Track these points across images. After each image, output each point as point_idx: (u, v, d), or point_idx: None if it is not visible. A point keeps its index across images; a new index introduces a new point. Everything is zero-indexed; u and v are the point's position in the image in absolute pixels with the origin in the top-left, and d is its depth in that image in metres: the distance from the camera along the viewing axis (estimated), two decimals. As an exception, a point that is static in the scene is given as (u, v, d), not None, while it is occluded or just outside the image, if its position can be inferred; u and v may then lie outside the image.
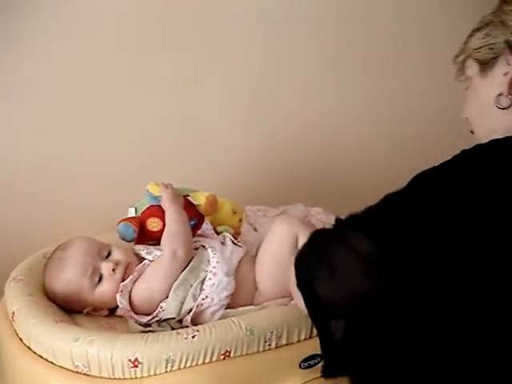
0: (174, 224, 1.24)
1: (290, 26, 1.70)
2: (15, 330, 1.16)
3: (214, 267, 1.22)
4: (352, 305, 0.86)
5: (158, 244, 1.26)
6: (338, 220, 0.94)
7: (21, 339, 1.14)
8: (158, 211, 1.27)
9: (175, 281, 1.20)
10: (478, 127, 1.02)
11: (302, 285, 0.92)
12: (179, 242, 1.22)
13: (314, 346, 1.06)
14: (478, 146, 0.92)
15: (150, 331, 1.16)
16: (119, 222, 1.27)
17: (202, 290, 1.20)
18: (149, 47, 1.57)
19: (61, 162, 1.56)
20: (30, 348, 1.12)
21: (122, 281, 1.22)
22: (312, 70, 1.77)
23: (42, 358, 1.11)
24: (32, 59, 1.47)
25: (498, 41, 0.97)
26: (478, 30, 1.01)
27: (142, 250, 1.28)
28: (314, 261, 0.90)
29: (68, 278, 1.22)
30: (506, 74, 0.96)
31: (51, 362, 1.10)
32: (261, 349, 1.14)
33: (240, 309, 1.23)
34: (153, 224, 1.27)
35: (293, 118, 1.79)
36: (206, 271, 1.22)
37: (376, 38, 1.78)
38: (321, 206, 1.50)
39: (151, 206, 1.29)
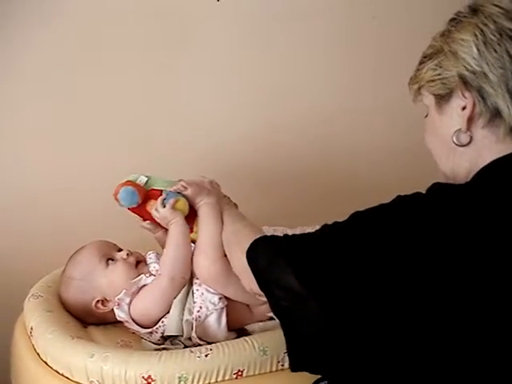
0: (174, 247, 1.22)
1: (298, 24, 1.71)
2: (33, 345, 1.18)
3: (197, 278, 1.23)
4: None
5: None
6: (284, 239, 0.96)
7: (38, 354, 1.16)
8: None
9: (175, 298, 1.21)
10: (443, 165, 0.99)
11: (260, 286, 0.96)
12: (179, 268, 1.21)
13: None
14: (417, 194, 0.89)
15: (163, 349, 1.17)
16: (124, 184, 1.23)
17: (194, 302, 1.21)
18: (148, 41, 1.59)
19: (73, 177, 1.59)
20: (46, 363, 1.14)
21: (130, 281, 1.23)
22: (323, 68, 1.79)
23: (58, 373, 1.12)
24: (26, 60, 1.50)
25: (451, 74, 0.92)
26: (429, 58, 0.96)
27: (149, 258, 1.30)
28: (264, 269, 0.96)
29: (82, 258, 1.28)
30: (463, 108, 0.92)
31: (67, 378, 1.11)
32: (273, 369, 1.15)
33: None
34: (154, 207, 1.24)
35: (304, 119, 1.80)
36: (193, 284, 1.23)
37: (386, 39, 1.80)
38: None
39: (163, 190, 1.25)
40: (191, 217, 1.26)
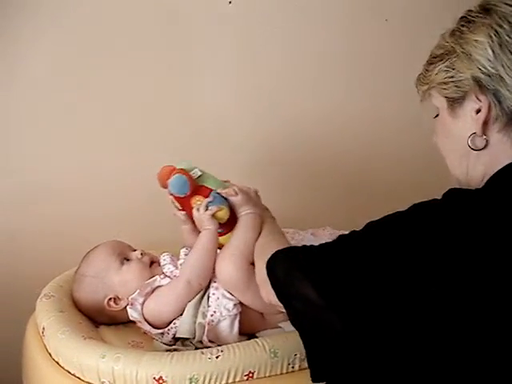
0: (199, 252, 1.23)
1: (303, 24, 1.71)
2: (45, 346, 1.19)
3: (215, 281, 1.23)
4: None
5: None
6: (301, 251, 0.95)
7: (50, 354, 1.17)
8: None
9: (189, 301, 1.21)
10: (456, 168, 0.97)
11: (279, 297, 0.96)
12: (198, 274, 1.21)
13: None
14: (433, 201, 0.87)
15: (174, 350, 1.18)
16: (179, 171, 1.22)
17: (208, 306, 1.21)
18: (155, 41, 1.59)
19: (86, 178, 1.60)
20: (58, 363, 1.15)
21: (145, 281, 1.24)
22: (329, 68, 1.79)
23: (69, 373, 1.13)
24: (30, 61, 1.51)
25: (465, 77, 0.89)
26: (440, 59, 0.94)
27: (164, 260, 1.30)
28: (282, 282, 0.95)
29: (97, 256, 1.29)
30: (477, 111, 0.90)
31: (78, 378, 1.12)
32: (284, 371, 1.15)
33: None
34: (197, 203, 1.24)
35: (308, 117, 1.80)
36: (210, 287, 1.23)
37: (387, 39, 1.80)
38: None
39: (212, 189, 1.25)
40: (230, 223, 1.25)
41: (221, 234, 1.27)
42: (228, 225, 1.26)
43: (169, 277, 1.26)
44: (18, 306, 1.36)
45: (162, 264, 1.30)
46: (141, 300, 1.22)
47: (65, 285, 1.33)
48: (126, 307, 1.23)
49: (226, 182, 1.31)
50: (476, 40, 0.89)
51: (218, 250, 1.26)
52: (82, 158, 1.59)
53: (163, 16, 1.58)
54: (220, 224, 1.25)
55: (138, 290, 1.22)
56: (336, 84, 1.80)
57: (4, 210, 1.54)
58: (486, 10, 0.90)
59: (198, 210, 1.23)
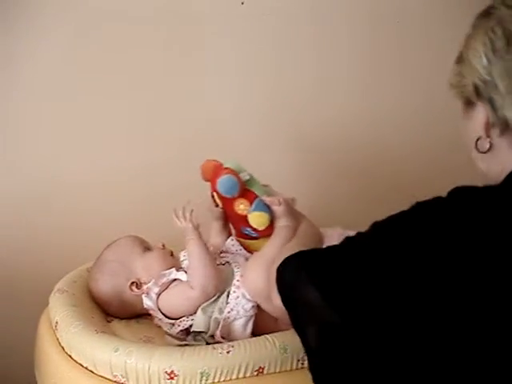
0: (204, 261, 1.23)
1: (308, 25, 1.72)
2: (57, 339, 1.20)
3: (237, 280, 1.24)
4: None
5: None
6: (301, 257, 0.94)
7: (62, 348, 1.18)
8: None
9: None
10: (478, 165, 0.96)
11: (282, 299, 0.95)
12: (209, 279, 1.22)
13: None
14: (437, 199, 0.87)
15: (186, 345, 1.19)
16: (230, 171, 1.22)
17: (227, 303, 1.22)
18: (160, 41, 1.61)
19: (102, 174, 1.62)
20: (71, 356, 1.16)
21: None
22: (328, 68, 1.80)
23: (82, 366, 1.14)
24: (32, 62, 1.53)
25: (468, 82, 0.89)
26: (456, 62, 0.94)
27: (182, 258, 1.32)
28: (288, 284, 0.94)
29: (120, 244, 1.33)
30: (481, 115, 0.89)
31: (91, 371, 1.13)
32: (294, 367, 1.16)
33: None
34: (240, 205, 1.24)
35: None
36: (231, 285, 1.24)
37: (384, 39, 1.81)
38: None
39: (258, 195, 1.25)
40: (266, 229, 1.25)
41: (255, 238, 1.29)
42: (264, 231, 1.26)
43: (185, 271, 1.28)
44: (32, 300, 1.38)
45: (181, 259, 1.32)
46: (156, 290, 1.24)
47: (78, 280, 1.35)
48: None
49: (265, 185, 1.31)
50: (474, 47, 0.88)
51: (249, 254, 1.29)
52: (98, 154, 1.61)
53: (166, 17, 1.60)
54: (257, 230, 1.27)
55: (153, 280, 1.25)
56: (340, 86, 1.80)
57: (19, 206, 1.57)
58: (487, 13, 0.89)
59: (178, 218, 1.25)
